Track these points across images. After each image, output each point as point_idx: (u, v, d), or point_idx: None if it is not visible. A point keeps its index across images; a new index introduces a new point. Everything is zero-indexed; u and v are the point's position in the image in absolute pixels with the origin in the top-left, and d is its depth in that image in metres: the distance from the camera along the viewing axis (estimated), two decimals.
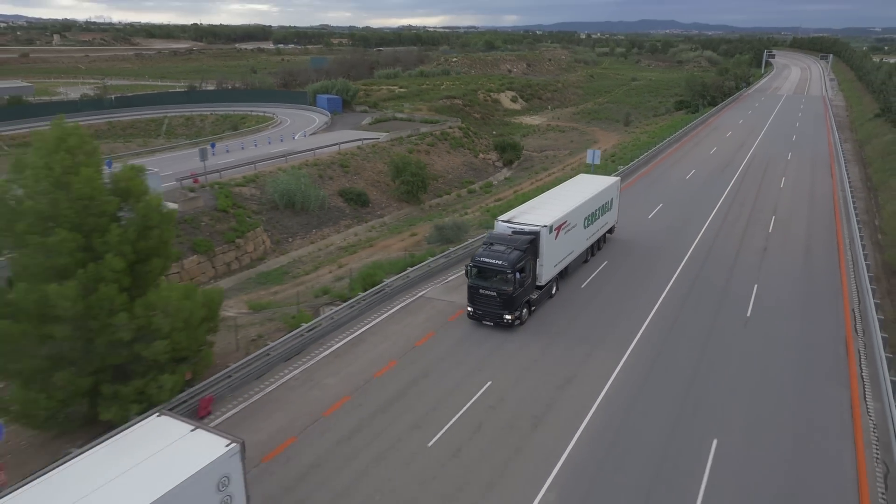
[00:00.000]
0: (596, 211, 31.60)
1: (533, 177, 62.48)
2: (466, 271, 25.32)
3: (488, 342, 24.06)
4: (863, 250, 32.44)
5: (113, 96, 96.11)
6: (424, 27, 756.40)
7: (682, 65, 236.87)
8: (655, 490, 16.21)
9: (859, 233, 35.44)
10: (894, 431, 17.97)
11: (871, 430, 18.76)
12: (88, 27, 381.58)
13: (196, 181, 43.73)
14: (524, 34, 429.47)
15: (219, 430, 14.38)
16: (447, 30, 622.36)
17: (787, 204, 43.61)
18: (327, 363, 22.61)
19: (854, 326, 25.52)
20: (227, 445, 13.36)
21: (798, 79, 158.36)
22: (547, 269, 26.66)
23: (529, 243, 25.37)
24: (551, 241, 26.42)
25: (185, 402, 19.26)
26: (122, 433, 14.18)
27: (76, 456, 13.48)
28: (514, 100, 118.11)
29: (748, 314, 26.58)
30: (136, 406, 18.02)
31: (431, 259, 31.21)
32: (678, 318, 26.00)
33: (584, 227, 30.32)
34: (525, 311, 25.58)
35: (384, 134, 64.49)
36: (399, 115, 78.41)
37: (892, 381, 19.96)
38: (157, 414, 14.96)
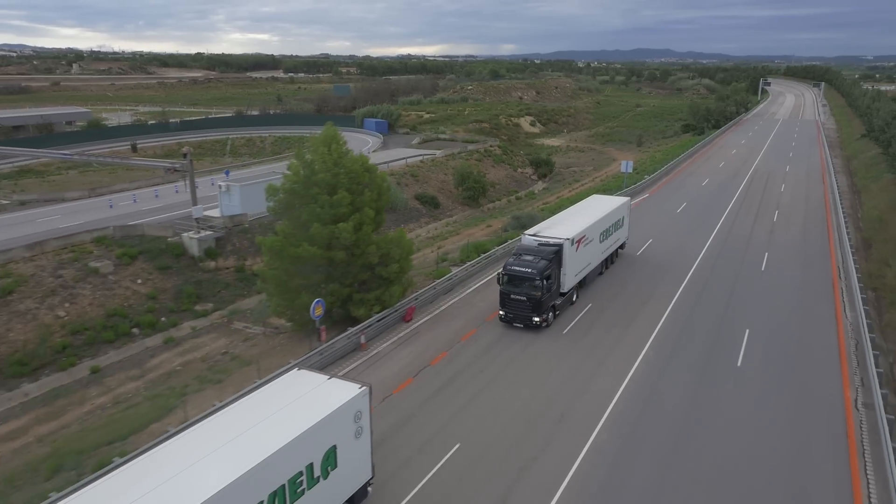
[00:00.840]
0: (609, 227, 35.27)
1: (568, 187, 73.70)
2: (498, 279, 28.46)
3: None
4: (846, 230, 43.38)
5: (176, 120, 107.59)
6: (423, 56, 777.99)
7: (681, 92, 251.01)
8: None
9: (844, 220, 46.41)
10: (864, 320, 28.55)
11: (847, 325, 29.41)
12: (100, 56, 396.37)
13: None
14: (525, 63, 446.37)
15: (349, 378, 17.72)
16: (447, 58, 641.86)
17: (787, 202, 54.67)
18: (458, 306, 32.88)
19: (839, 274, 36.29)
20: (360, 388, 16.47)
21: (793, 105, 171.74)
22: (569, 278, 29.95)
23: (554, 254, 28.79)
24: (573, 252, 29.81)
25: (397, 310, 29.71)
26: (275, 383, 17.29)
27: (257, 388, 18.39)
28: (532, 124, 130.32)
29: (762, 269, 37.32)
30: (376, 307, 28.53)
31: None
32: (713, 270, 36.71)
33: (600, 242, 33.92)
34: (551, 314, 28.78)
35: (438, 151, 75.80)
36: (442, 136, 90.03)
37: (861, 298, 30.68)
38: (297, 369, 18.36)
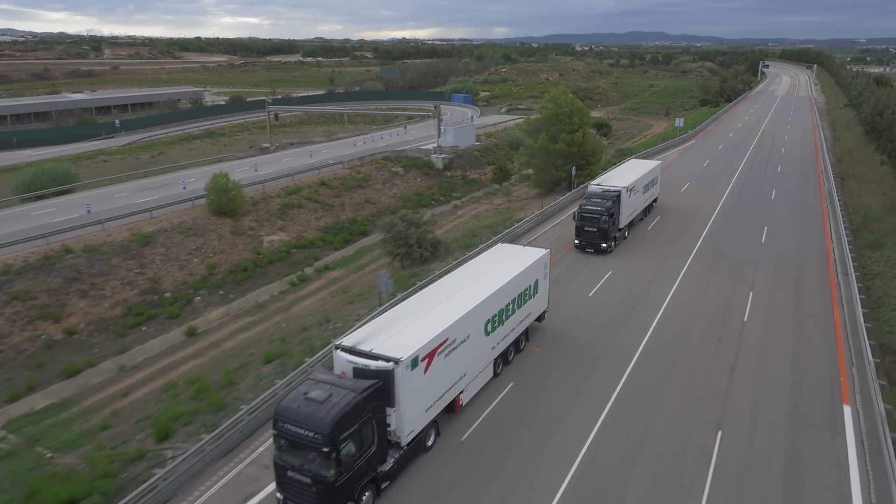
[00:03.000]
0: (648, 183, 46.17)
1: (628, 141, 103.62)
2: (574, 216, 38.94)
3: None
4: (829, 160, 73.70)
5: (279, 96, 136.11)
6: (416, 39, 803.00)
7: (685, 74, 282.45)
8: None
9: (826, 154, 76.70)
10: (835, 192, 58.48)
11: (826, 196, 59.55)
12: (118, 42, 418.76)
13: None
14: (533, 48, 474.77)
15: (534, 246, 29.13)
16: (443, 42, 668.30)
17: (789, 146, 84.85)
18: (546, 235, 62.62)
19: (823, 177, 66.48)
20: (545, 251, 27.66)
21: (789, 84, 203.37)
22: (624, 217, 40.55)
23: (615, 199, 38.90)
24: (627, 198, 40.27)
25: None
26: (493, 250, 28.65)
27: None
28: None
29: (778, 170, 67.42)
30: (588, 178, 58.16)
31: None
32: (748, 177, 66.67)
33: (643, 193, 44.91)
34: (613, 242, 39.02)
35: (521, 117, 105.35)
36: (520, 107, 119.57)
37: (834, 182, 60.83)
38: (500, 243, 29.44)
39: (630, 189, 41.24)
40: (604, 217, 37.70)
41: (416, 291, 27.01)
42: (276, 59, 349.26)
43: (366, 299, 36.57)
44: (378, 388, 16.96)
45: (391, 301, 28.34)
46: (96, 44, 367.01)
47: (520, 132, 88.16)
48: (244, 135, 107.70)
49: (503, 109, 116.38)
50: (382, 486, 17.75)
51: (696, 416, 22.24)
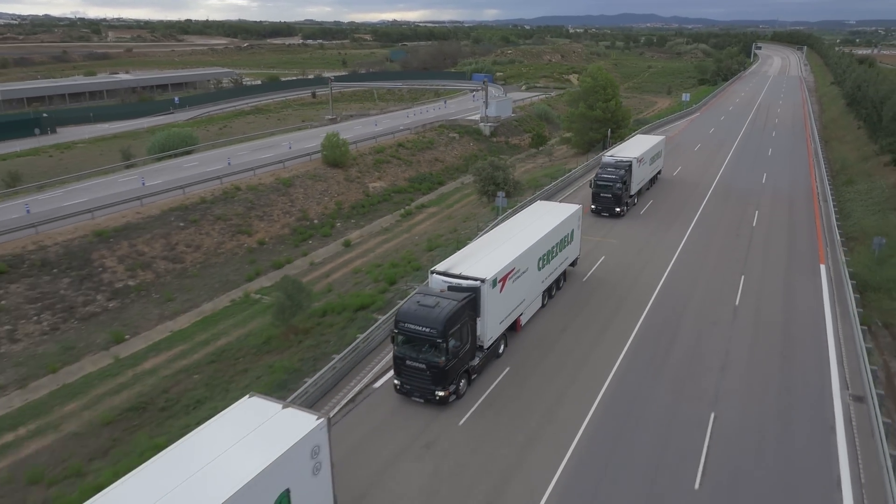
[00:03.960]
0: (654, 156, 51.63)
1: (638, 115, 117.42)
2: (590, 184, 44.09)
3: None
4: (815, 127, 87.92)
5: (311, 77, 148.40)
6: (407, 22, 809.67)
7: (680, 56, 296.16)
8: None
9: (813, 122, 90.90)
10: (819, 146, 72.61)
11: (812, 148, 73.71)
12: (114, 25, 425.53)
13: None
14: (520, 29, 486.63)
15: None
16: (434, 24, 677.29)
17: (781, 117, 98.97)
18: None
19: (811, 136, 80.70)
20: (578, 206, 25.52)
21: (780, 65, 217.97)
22: (634, 185, 46.22)
23: (627, 168, 44.28)
24: (637, 167, 46.00)
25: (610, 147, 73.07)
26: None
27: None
28: (578, 79, 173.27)
29: (773, 135, 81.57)
30: (613, 139, 71.92)
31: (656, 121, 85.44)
32: (746, 145, 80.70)
33: (650, 164, 50.66)
34: (626, 207, 44.83)
35: (541, 94, 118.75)
36: (537, 85, 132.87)
37: (817, 138, 75.00)
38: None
39: (639, 160, 46.78)
40: (618, 184, 43.26)
41: (499, 223, 35.92)
42: (276, 41, 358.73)
43: (466, 223, 50.03)
44: (471, 299, 22.67)
45: (500, 217, 41.71)
46: (95, 27, 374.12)
47: (546, 106, 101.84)
48: (288, 111, 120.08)
49: (522, 87, 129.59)
50: (472, 377, 23.58)
51: (728, 268, 36.10)
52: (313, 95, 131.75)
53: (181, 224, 45.84)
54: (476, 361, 23.55)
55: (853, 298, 30.57)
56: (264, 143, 72.99)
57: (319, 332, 31.41)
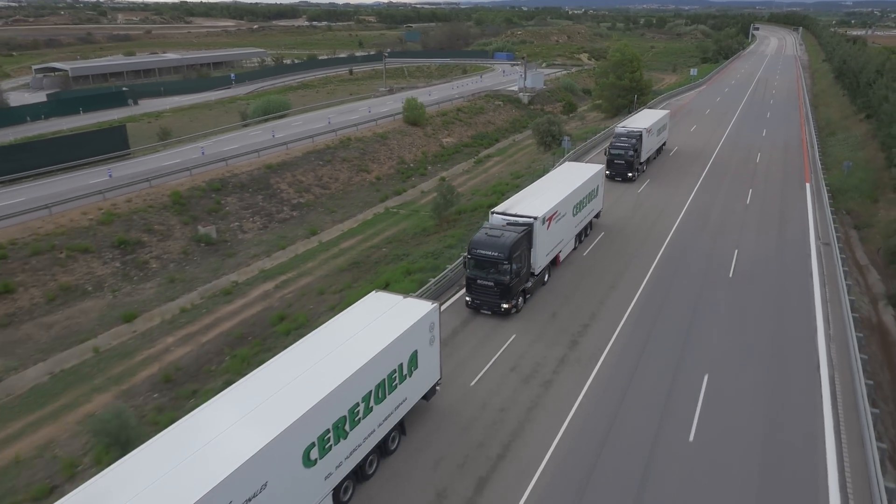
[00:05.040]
0: (660, 128, 58.52)
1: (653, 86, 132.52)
2: (605, 152, 50.53)
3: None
4: (807, 96, 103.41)
5: (343, 55, 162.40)
6: (404, 4, 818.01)
7: (680, 37, 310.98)
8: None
9: (805, 93, 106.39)
10: (815, 137, 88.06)
11: (803, 108, 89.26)
12: (117, 7, 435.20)
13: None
14: (521, 11, 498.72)
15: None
16: (431, 5, 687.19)
17: (778, 88, 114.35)
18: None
19: (805, 115, 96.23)
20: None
21: (777, 45, 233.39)
22: (643, 154, 52.79)
23: (637, 138, 50.80)
24: (647, 137, 52.78)
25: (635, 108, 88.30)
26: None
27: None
28: (588, 58, 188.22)
29: (771, 103, 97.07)
30: (639, 104, 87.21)
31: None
32: (748, 110, 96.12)
33: (657, 135, 57.20)
34: (637, 172, 51.50)
35: (562, 70, 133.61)
36: (556, 62, 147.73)
37: (808, 101, 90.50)
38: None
39: (648, 130, 52.84)
40: (629, 152, 49.51)
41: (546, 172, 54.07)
42: (283, 23, 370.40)
43: (531, 166, 65.08)
44: (527, 232, 28.91)
45: (564, 157, 56.72)
46: (100, 9, 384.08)
47: (571, 80, 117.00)
48: (331, 86, 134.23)
49: (543, 65, 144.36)
50: (527, 297, 30.04)
51: (740, 185, 51.57)
52: (350, 73, 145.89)
53: (320, 163, 60.86)
54: (529, 284, 30.05)
55: (827, 197, 46.04)
56: (343, 109, 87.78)
57: (462, 221, 46.62)
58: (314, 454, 16.32)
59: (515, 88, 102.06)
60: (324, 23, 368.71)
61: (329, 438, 16.82)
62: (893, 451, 20.51)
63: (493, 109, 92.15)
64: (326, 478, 17.08)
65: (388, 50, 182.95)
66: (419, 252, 41.63)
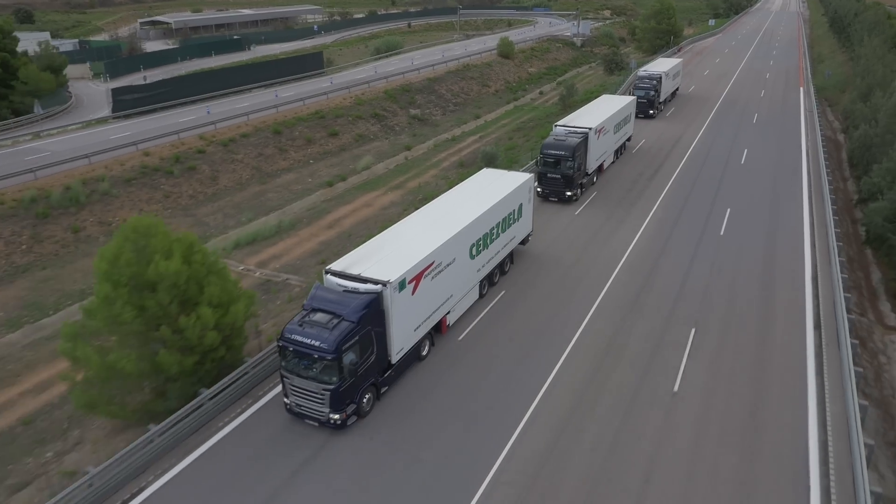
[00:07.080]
0: (675, 74, 69.13)
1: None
2: (632, 91, 61.36)
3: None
4: (805, 41, 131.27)
5: (393, 11, 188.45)
6: None
7: None
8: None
9: (804, 39, 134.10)
10: (809, 64, 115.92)
11: (804, 66, 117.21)
12: None
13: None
14: None
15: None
16: None
17: (781, 37, 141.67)
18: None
19: (803, 53, 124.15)
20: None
21: (782, 2, 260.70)
22: (663, 95, 63.35)
23: (659, 79, 61.84)
24: (665, 80, 63.03)
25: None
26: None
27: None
28: (610, 14, 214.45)
29: (776, 44, 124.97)
30: (674, 43, 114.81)
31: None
32: (758, 51, 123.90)
33: (673, 80, 68.30)
34: (657, 111, 62.18)
35: (599, 22, 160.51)
36: (588, 16, 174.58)
37: (806, 42, 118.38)
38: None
39: (667, 74, 64.44)
40: (651, 92, 60.57)
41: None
42: None
43: (605, 81, 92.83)
44: (584, 139, 38.57)
45: (632, 74, 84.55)
46: None
47: (610, 28, 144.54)
48: (400, 36, 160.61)
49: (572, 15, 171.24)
50: (582, 189, 37.38)
51: (755, 89, 79.85)
52: (409, 26, 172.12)
53: (458, 79, 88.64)
54: (584, 181, 39.40)
55: (813, 91, 74.29)
56: (437, 49, 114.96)
57: (574, 108, 74.75)
58: (475, 251, 25.97)
59: (569, 34, 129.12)
60: None
61: (480, 244, 26.39)
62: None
63: (555, 50, 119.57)
64: (478, 270, 26.86)
65: (432, 5, 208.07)
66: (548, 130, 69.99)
